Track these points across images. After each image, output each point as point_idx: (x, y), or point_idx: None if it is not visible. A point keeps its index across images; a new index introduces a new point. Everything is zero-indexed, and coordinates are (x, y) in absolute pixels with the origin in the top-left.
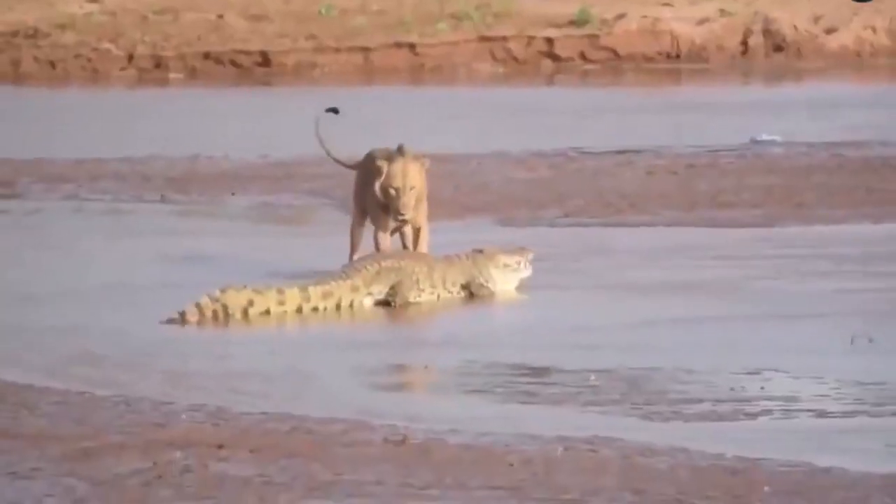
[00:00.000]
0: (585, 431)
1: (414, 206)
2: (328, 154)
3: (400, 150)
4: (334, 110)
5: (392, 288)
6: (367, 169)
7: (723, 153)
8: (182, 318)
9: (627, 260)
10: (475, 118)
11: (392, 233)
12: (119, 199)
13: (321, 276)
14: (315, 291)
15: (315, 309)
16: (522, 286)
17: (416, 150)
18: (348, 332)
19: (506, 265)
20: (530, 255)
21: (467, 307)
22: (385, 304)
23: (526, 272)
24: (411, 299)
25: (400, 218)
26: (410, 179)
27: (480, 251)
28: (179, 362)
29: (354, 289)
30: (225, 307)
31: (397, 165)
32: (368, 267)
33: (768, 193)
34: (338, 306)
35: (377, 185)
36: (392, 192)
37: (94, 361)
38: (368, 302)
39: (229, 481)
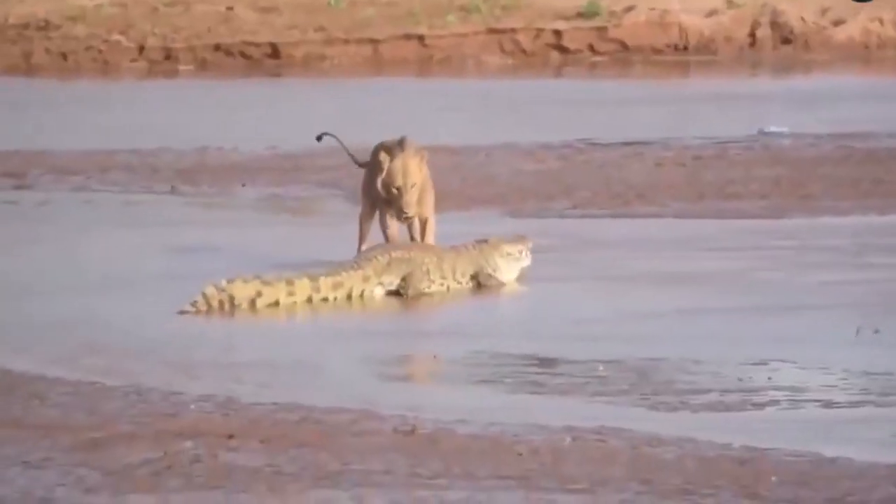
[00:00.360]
0: (593, 421)
1: (417, 200)
2: (343, 147)
3: (401, 145)
4: (321, 137)
5: (403, 279)
6: (374, 162)
7: (730, 145)
8: (195, 309)
9: (635, 251)
10: (483, 110)
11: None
12: (128, 191)
13: (331, 267)
14: (325, 282)
15: (325, 299)
16: (525, 275)
17: (417, 143)
18: (356, 323)
19: (509, 254)
20: (530, 244)
21: (475, 297)
22: (393, 294)
23: (526, 261)
24: (423, 290)
25: (404, 216)
26: (412, 177)
27: (485, 241)
28: (189, 353)
29: (365, 279)
30: (231, 297)
31: (397, 163)
32: (379, 257)
33: (776, 185)
34: (348, 296)
35: (379, 182)
36: (394, 190)
37: (105, 352)
38: (379, 292)
39: (239, 471)
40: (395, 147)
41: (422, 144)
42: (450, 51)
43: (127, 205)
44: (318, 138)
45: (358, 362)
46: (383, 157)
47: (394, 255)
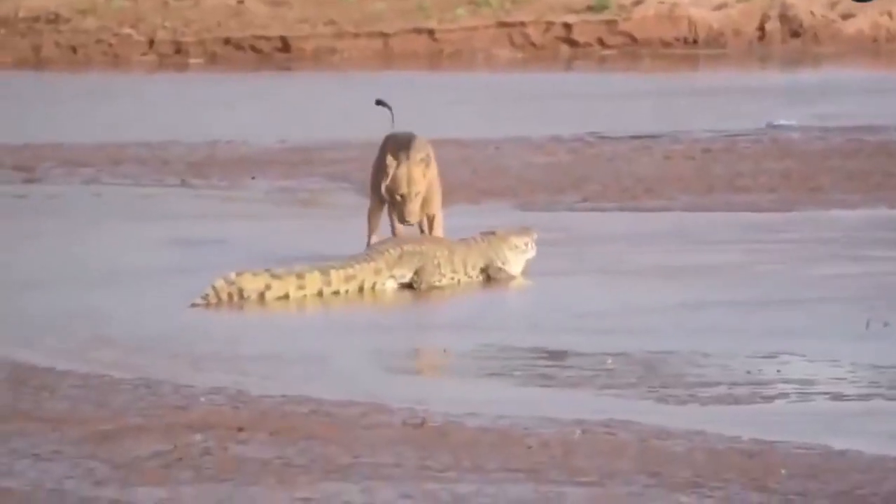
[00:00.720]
0: (602, 414)
1: (424, 200)
2: (391, 124)
3: (407, 150)
4: (380, 103)
5: (416, 272)
6: (381, 160)
7: (739, 138)
8: (205, 302)
9: (644, 244)
10: (493, 103)
11: None
12: (139, 184)
13: (342, 260)
14: (337, 275)
15: (336, 293)
16: (532, 268)
17: (425, 141)
18: (365, 316)
19: (516, 246)
20: (535, 236)
21: (484, 291)
22: (404, 287)
23: (531, 253)
24: (434, 283)
25: (406, 223)
26: (416, 186)
27: (492, 233)
28: (199, 346)
29: (377, 272)
30: (240, 290)
31: (402, 171)
32: (391, 250)
33: (784, 178)
34: (360, 289)
35: (383, 186)
36: (398, 197)
37: (114, 345)
38: (391, 285)
39: (248, 463)
40: (401, 150)
41: (431, 139)
42: (460, 44)
43: (137, 198)
44: (378, 102)
45: (367, 355)
46: (390, 161)
47: (405, 248)
